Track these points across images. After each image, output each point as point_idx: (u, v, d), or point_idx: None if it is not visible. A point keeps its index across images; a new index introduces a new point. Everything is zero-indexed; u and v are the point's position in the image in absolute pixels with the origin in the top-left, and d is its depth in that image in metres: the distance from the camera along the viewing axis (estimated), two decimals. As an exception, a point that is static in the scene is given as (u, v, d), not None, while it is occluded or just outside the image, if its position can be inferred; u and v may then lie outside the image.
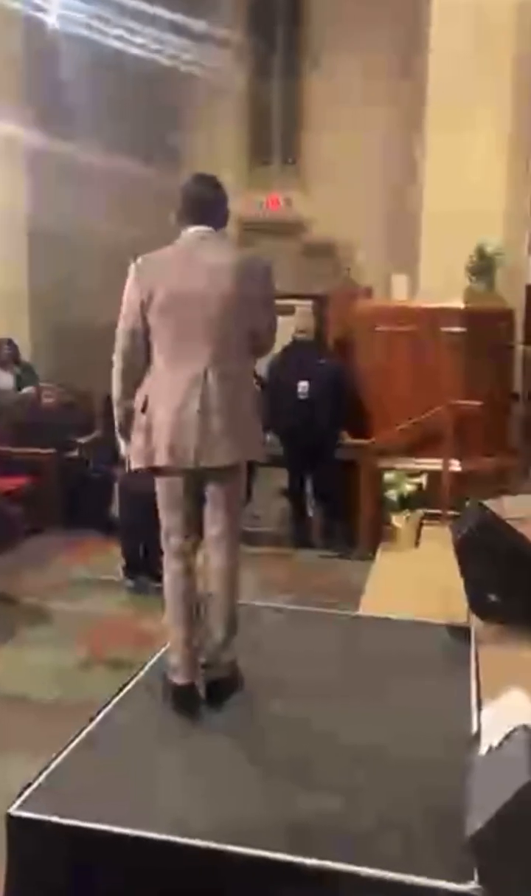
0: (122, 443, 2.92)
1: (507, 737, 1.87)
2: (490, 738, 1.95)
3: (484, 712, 2.16)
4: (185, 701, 2.79)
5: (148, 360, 2.78)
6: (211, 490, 2.82)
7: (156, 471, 2.79)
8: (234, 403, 2.75)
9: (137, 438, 2.78)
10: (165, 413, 2.71)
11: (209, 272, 2.74)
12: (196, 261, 2.77)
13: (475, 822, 1.72)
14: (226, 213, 2.88)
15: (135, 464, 2.80)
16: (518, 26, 7.31)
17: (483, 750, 1.97)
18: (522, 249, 7.40)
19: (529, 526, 5.10)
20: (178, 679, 2.81)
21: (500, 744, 1.88)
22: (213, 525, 2.85)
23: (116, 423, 2.91)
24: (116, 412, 2.88)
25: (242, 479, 2.88)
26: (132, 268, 2.80)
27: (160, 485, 2.82)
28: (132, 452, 2.82)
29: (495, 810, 1.67)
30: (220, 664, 2.86)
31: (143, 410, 2.75)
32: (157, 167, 9.42)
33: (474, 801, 1.84)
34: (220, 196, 2.88)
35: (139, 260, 2.80)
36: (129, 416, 2.82)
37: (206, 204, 2.84)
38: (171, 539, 2.85)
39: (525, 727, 1.83)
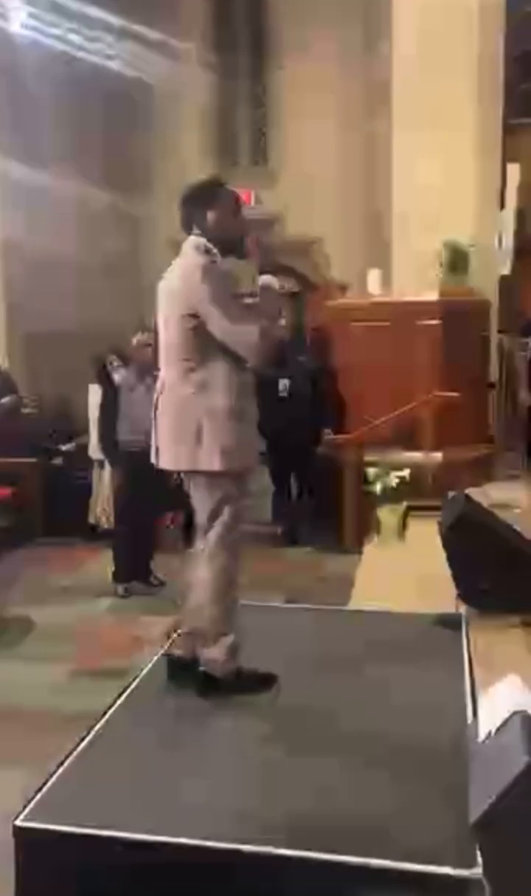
0: None
1: (505, 723, 1.90)
2: (488, 724, 1.98)
3: (480, 699, 2.19)
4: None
5: None
6: None
7: None
8: (181, 410, 2.79)
9: None
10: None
11: (166, 284, 2.87)
12: (169, 272, 2.89)
13: (476, 808, 1.75)
14: (196, 217, 2.85)
15: None
16: (480, 23, 7.38)
17: (481, 737, 2.00)
18: (494, 241, 7.48)
19: (514, 512, 5.18)
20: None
21: (498, 730, 1.91)
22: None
23: None
24: None
25: (210, 488, 2.82)
26: None
27: None
28: None
29: (495, 796, 1.70)
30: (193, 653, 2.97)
31: None
32: (123, 176, 9.46)
33: (474, 787, 1.86)
34: (183, 202, 2.90)
35: None
36: None
37: (180, 212, 2.90)
38: None
39: (522, 712, 1.86)
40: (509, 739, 1.84)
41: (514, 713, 1.89)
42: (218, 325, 2.71)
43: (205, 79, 10.36)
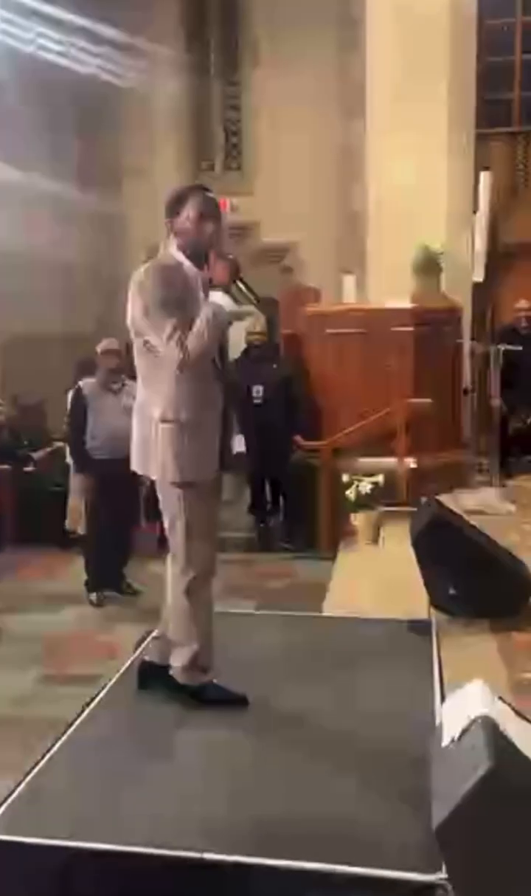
0: None
1: (467, 728, 1.91)
2: (451, 729, 2.00)
3: (445, 704, 2.20)
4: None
5: None
6: None
7: None
8: (142, 419, 2.80)
9: None
10: None
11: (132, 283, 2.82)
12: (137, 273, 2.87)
13: (439, 813, 1.76)
14: (168, 220, 2.82)
15: None
16: (453, 33, 7.47)
17: (445, 742, 2.01)
18: (467, 248, 7.55)
19: (486, 518, 5.22)
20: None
21: (461, 735, 1.93)
22: None
23: None
24: None
25: (171, 495, 2.80)
26: None
27: None
28: None
29: (458, 800, 1.72)
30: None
31: None
32: (99, 181, 9.45)
33: (437, 792, 1.88)
34: (167, 204, 2.86)
35: None
36: None
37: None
38: None
39: (483, 717, 1.88)
40: (471, 744, 1.85)
41: (477, 718, 1.90)
42: (152, 331, 2.67)
43: (178, 82, 10.36)
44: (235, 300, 2.77)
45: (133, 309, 2.74)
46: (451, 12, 7.47)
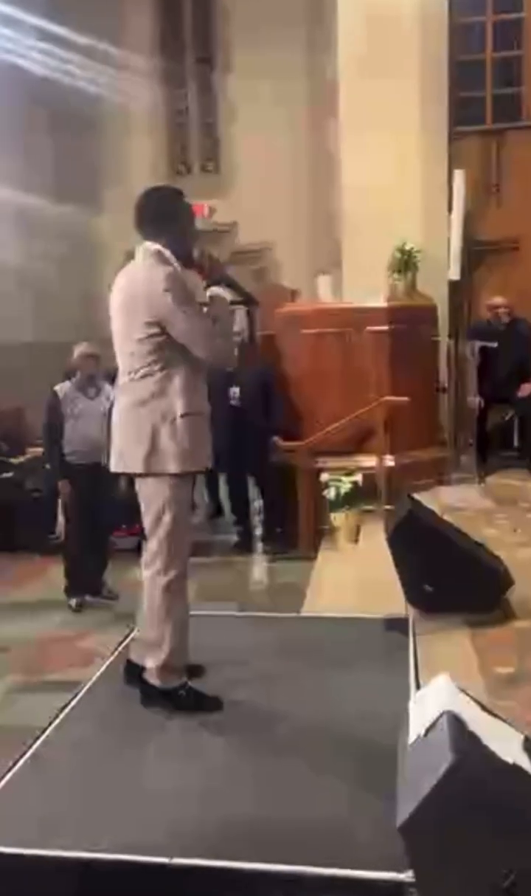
0: None
1: (433, 723, 1.90)
2: (417, 726, 1.99)
3: (412, 701, 2.19)
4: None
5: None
6: None
7: None
8: (136, 414, 2.84)
9: None
10: None
11: (118, 287, 2.92)
12: (119, 280, 2.93)
13: (404, 810, 1.75)
14: (155, 225, 2.87)
15: None
16: (423, 31, 7.49)
17: (411, 738, 2.00)
18: (442, 245, 7.56)
19: (464, 515, 5.23)
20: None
21: (427, 731, 1.92)
22: None
23: None
24: None
25: (158, 491, 2.84)
26: None
27: None
28: None
29: (421, 798, 1.70)
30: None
31: None
32: (73, 189, 9.42)
33: (402, 789, 1.87)
34: (140, 208, 2.92)
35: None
36: None
37: (135, 218, 2.93)
38: None
39: (448, 713, 1.87)
40: (436, 740, 1.84)
41: (442, 713, 1.89)
42: (182, 327, 2.76)
43: (153, 87, 10.35)
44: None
45: (152, 305, 2.76)
46: (421, 12, 7.48)
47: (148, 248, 2.86)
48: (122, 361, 2.90)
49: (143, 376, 2.82)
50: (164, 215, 2.89)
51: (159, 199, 2.97)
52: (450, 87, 7.80)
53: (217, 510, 6.98)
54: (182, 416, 2.80)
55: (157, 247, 2.85)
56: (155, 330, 2.78)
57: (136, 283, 2.83)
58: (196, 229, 3.04)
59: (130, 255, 2.98)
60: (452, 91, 7.83)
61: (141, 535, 3.10)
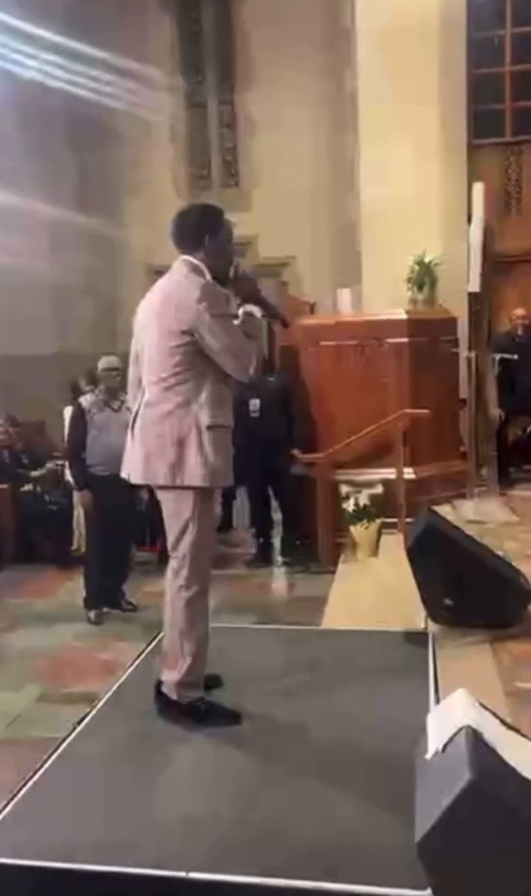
0: None
1: (451, 738, 1.89)
2: (436, 741, 1.97)
3: (430, 715, 2.17)
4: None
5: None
6: None
7: None
8: (162, 426, 2.81)
9: None
10: None
11: (151, 301, 2.93)
12: (153, 290, 2.95)
13: (422, 827, 1.73)
14: (195, 240, 2.88)
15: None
16: (442, 40, 7.51)
17: (430, 753, 1.98)
18: (462, 257, 7.55)
19: (485, 528, 5.19)
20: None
21: (445, 746, 1.90)
22: None
23: None
24: None
25: (183, 504, 2.83)
26: None
27: None
28: None
29: (439, 814, 1.68)
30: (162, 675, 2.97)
31: None
32: (95, 203, 9.52)
33: (420, 805, 1.85)
34: (181, 224, 2.94)
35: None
36: None
37: (173, 233, 2.94)
38: None
39: (466, 727, 1.85)
40: (454, 755, 1.82)
41: (460, 728, 1.87)
42: (217, 339, 2.76)
43: (174, 102, 10.46)
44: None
45: (186, 316, 2.76)
46: (440, 25, 7.51)
47: (185, 260, 2.88)
48: (150, 371, 2.87)
49: (171, 386, 2.80)
50: (204, 231, 2.89)
51: (201, 214, 2.98)
52: (469, 100, 7.82)
53: (227, 523, 6.94)
54: (208, 427, 2.77)
55: (195, 260, 2.86)
56: (186, 339, 2.76)
57: (170, 293, 2.83)
58: (233, 248, 3.04)
59: (148, 268, 3.01)
60: (471, 104, 7.85)
61: (162, 549, 3.11)
